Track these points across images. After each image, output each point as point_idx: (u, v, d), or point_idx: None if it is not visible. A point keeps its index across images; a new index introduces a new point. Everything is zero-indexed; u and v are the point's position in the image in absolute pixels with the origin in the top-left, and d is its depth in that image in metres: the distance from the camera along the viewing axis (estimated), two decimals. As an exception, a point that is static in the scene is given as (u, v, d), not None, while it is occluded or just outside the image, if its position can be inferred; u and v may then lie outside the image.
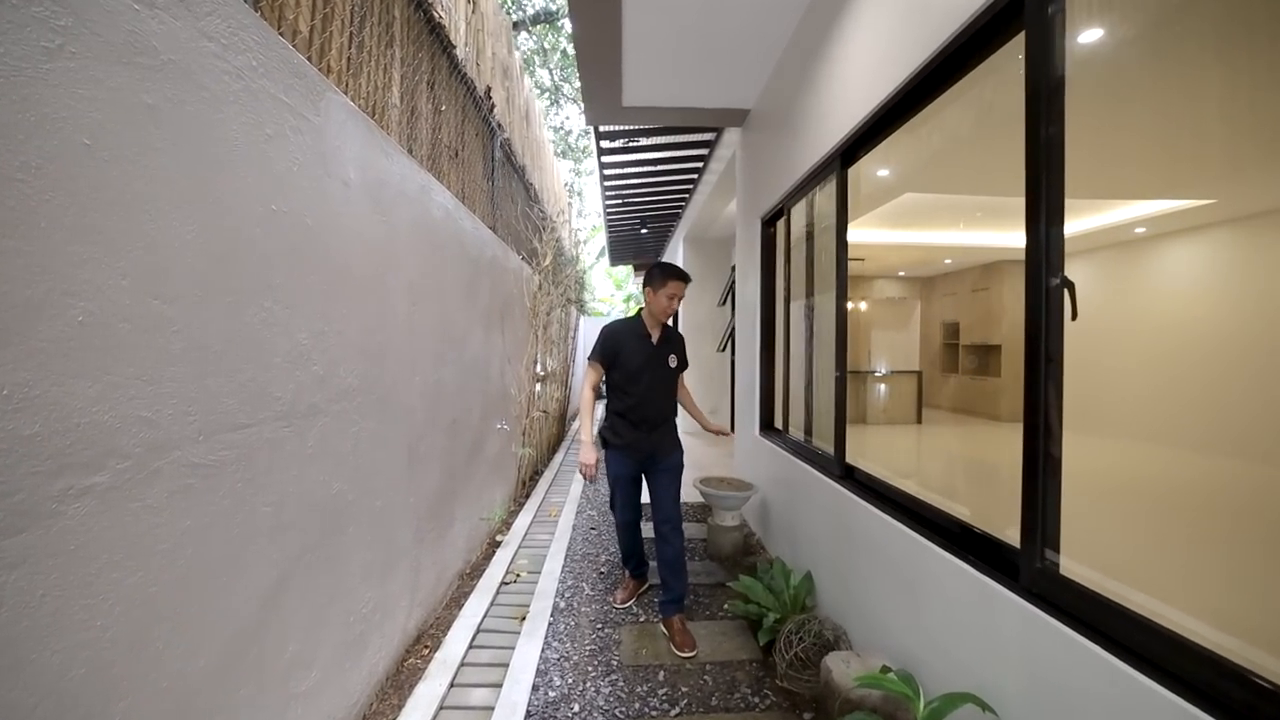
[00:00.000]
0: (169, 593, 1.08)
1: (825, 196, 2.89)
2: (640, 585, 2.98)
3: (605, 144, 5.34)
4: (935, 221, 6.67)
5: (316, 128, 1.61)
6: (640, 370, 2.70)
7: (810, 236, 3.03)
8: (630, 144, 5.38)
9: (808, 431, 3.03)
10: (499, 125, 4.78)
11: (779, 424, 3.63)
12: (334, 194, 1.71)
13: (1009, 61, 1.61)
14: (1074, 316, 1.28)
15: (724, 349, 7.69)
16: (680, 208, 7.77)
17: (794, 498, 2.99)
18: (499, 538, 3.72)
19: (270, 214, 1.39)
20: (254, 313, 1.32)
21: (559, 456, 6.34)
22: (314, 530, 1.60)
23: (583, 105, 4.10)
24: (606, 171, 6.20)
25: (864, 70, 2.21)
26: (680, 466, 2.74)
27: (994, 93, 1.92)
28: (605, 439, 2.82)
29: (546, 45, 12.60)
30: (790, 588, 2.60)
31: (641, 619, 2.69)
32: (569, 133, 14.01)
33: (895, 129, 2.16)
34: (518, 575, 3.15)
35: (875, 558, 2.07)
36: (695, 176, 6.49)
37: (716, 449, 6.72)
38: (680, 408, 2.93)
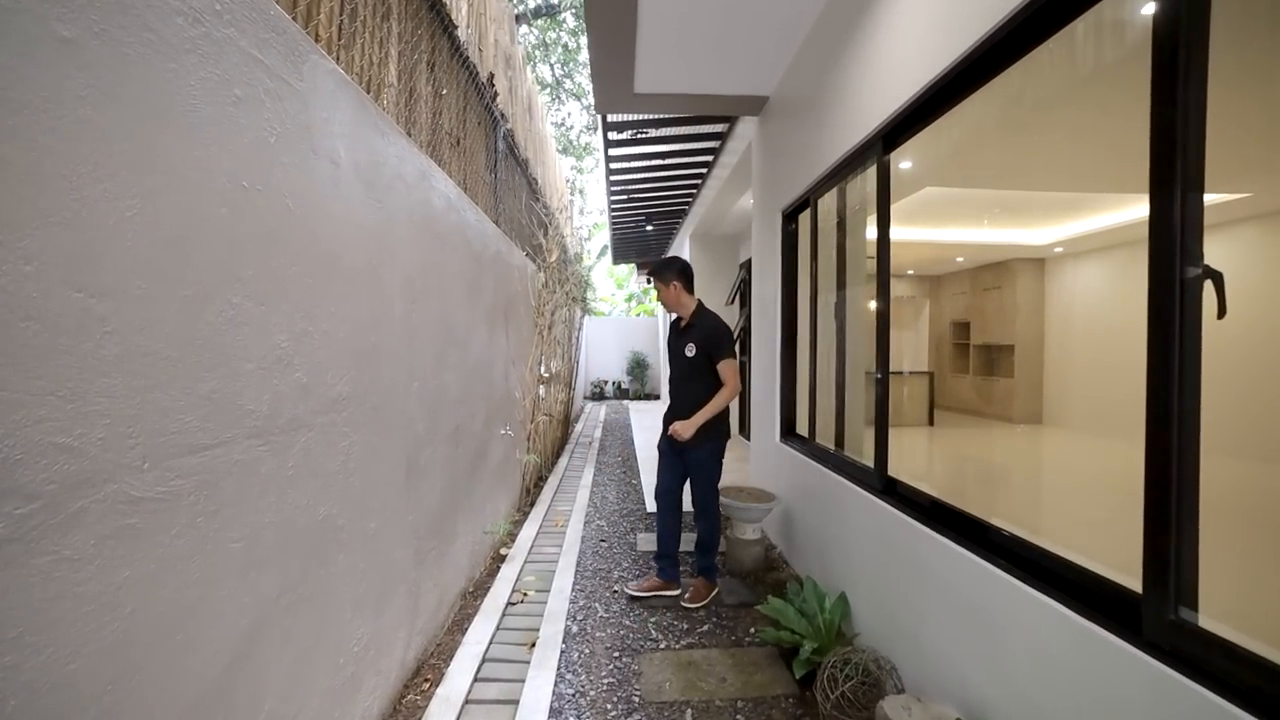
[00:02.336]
0: (97, 665, 0.85)
1: (860, 185, 2.66)
2: (663, 586, 2.90)
3: (613, 135, 5.11)
4: (950, 218, 6.44)
5: (300, 95, 1.38)
6: (669, 355, 3.01)
7: (841, 228, 2.80)
8: (639, 135, 5.15)
9: (839, 439, 2.80)
10: (502, 115, 4.56)
11: (803, 430, 3.40)
12: (320, 173, 1.48)
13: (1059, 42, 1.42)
14: (1221, 314, 1.05)
15: (733, 359, 7.48)
16: (687, 204, 7.54)
17: (823, 511, 2.77)
18: (504, 551, 3.49)
19: (241, 192, 1.16)
20: (219, 310, 1.09)
21: (564, 461, 6.11)
22: (296, 565, 1.37)
23: (591, 91, 3.87)
24: (613, 165, 5.97)
25: (911, 45, 1.98)
26: (706, 460, 2.85)
27: (1025, 79, 1.74)
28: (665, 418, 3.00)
29: (548, 40, 12.37)
30: (824, 611, 2.38)
31: (662, 645, 2.46)
32: (570, 128, 13.77)
33: (950, 108, 1.93)
34: (525, 594, 2.92)
35: (930, 585, 1.84)
36: (704, 171, 6.26)
37: (728, 453, 6.51)
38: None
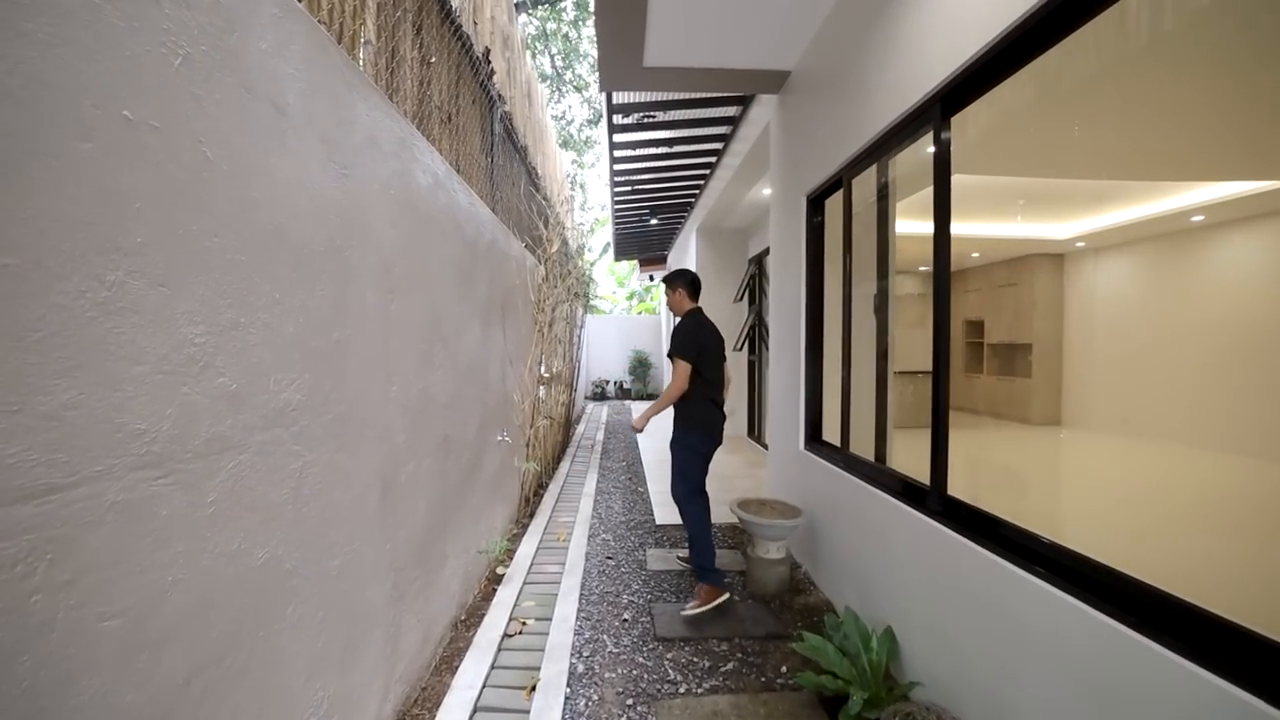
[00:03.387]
0: None
1: (909, 159, 2.33)
2: (718, 592, 2.74)
3: (618, 119, 4.78)
4: (970, 210, 6.08)
5: (222, 7, 1.05)
6: (717, 361, 3.05)
7: (883, 212, 2.47)
8: (646, 119, 4.81)
9: (879, 450, 2.47)
10: (499, 96, 4.23)
11: (830, 437, 3.07)
12: (258, 120, 1.15)
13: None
14: None
15: (740, 348, 7.15)
16: (694, 195, 7.21)
17: (860, 529, 2.44)
18: (500, 570, 3.16)
19: (121, 125, 0.83)
20: (77, 288, 0.76)
21: (565, 466, 5.79)
22: (220, 631, 1.04)
23: (596, 69, 3.54)
24: (617, 153, 5.64)
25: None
26: (675, 449, 2.97)
27: (1062, 58, 1.56)
28: (713, 425, 3.02)
29: (548, 30, 12.02)
30: (869, 650, 2.05)
31: (682, 688, 2.13)
32: (570, 121, 13.42)
33: (1025, 64, 1.61)
34: (524, 623, 2.59)
35: (1008, 628, 1.52)
36: (713, 161, 5.93)
37: (736, 456, 6.17)
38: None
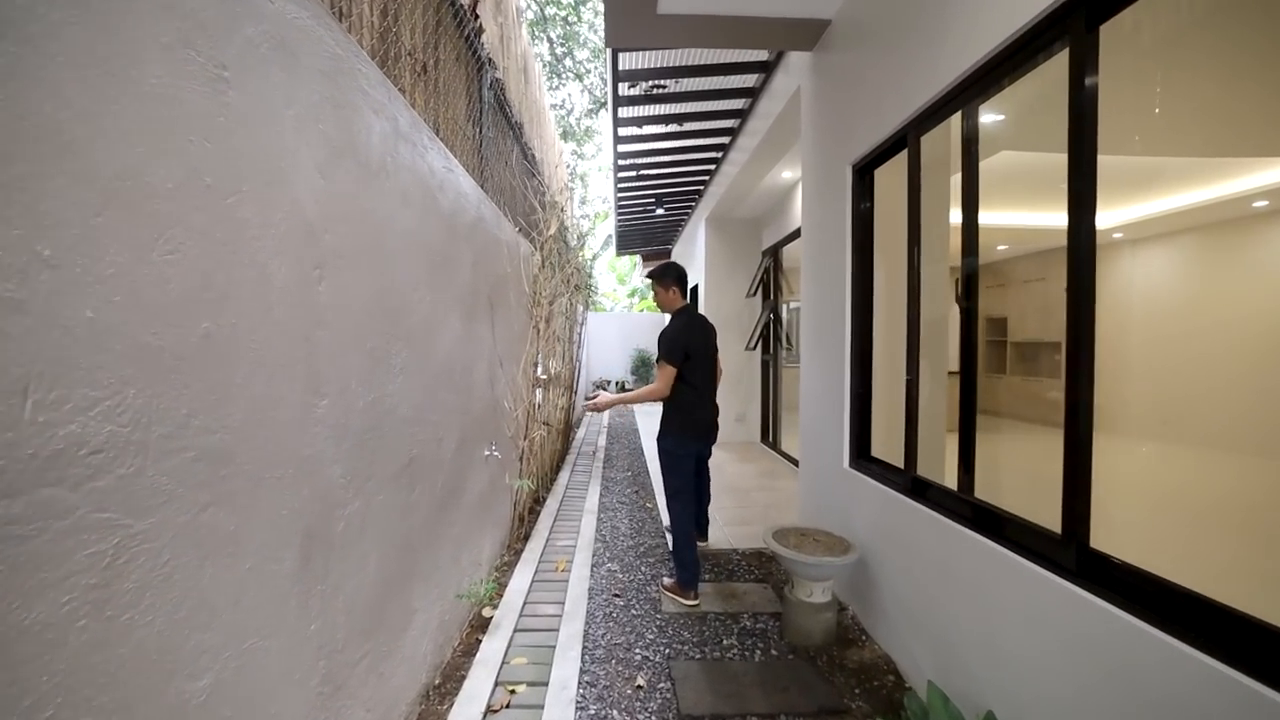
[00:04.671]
0: None
1: (1019, 99, 1.81)
2: (685, 592, 2.80)
3: (624, 90, 4.25)
4: (1006, 196, 5.58)
5: None
6: (704, 361, 2.96)
7: (970, 171, 1.94)
8: (655, 89, 4.28)
9: (966, 480, 1.94)
10: (490, 61, 3.70)
11: (889, 455, 2.54)
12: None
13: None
14: None
15: (754, 347, 6.62)
16: (704, 181, 6.68)
17: (941, 577, 1.92)
18: (487, 612, 2.63)
19: None
20: None
21: (564, 476, 5.26)
22: None
23: (603, 17, 3.02)
24: (622, 131, 5.12)
25: None
26: (657, 443, 3.00)
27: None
28: (695, 431, 3.02)
29: (547, 13, 11.46)
30: (969, 749, 1.53)
31: (717, 798, 1.61)
32: (569, 111, 12.88)
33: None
34: (512, 692, 2.06)
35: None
36: (728, 141, 5.41)
37: (750, 465, 5.65)
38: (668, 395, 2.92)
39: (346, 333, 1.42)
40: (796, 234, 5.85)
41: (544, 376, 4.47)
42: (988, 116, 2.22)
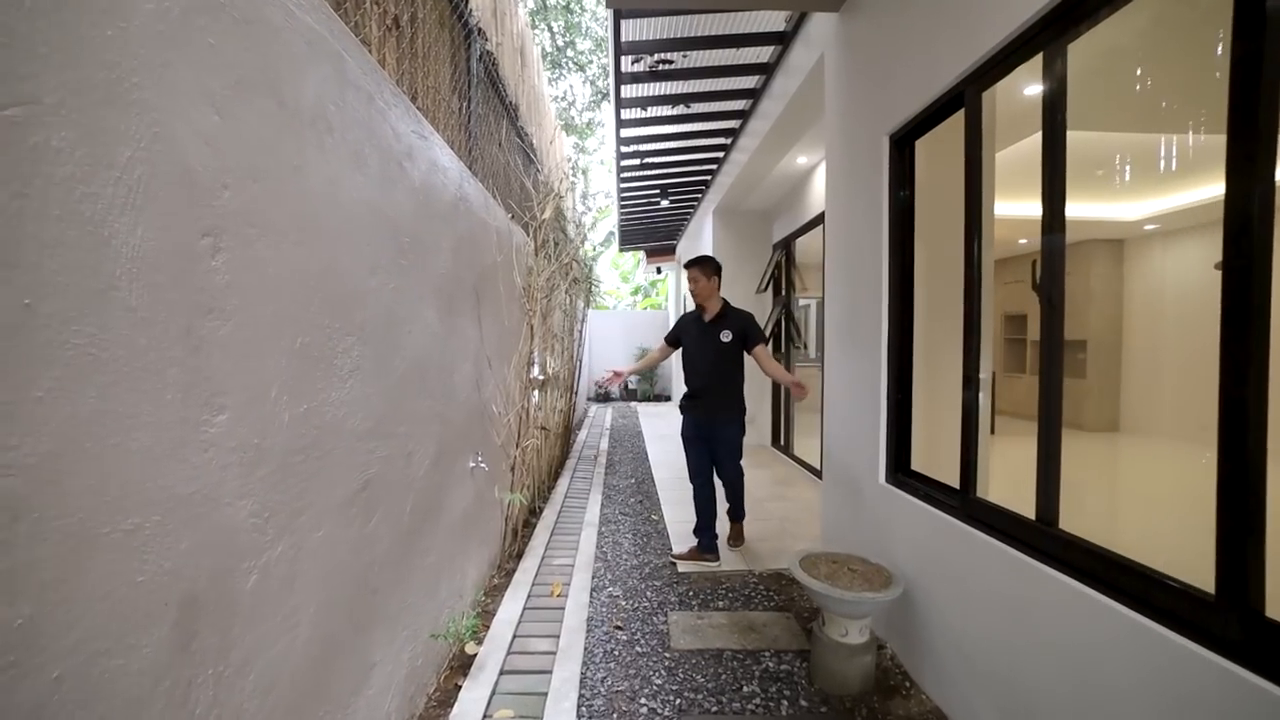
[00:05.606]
0: None
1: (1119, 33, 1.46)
2: (703, 557, 3.16)
3: (628, 65, 3.90)
4: (1031, 184, 5.19)
5: None
6: (691, 347, 3.26)
7: (1052, 127, 1.58)
8: (661, 64, 3.93)
9: (1046, 506, 1.58)
10: (480, 31, 3.36)
11: (937, 471, 2.19)
12: None
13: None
14: None
15: (765, 344, 6.26)
16: (712, 170, 6.32)
17: (1008, 616, 1.57)
18: (471, 648, 2.29)
19: None
20: None
21: (563, 483, 4.91)
22: None
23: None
24: (625, 114, 4.76)
25: None
26: (735, 436, 3.19)
27: None
28: (680, 405, 3.36)
29: (549, 2, 11.11)
30: None
31: None
32: (571, 103, 12.52)
33: None
34: (494, 757, 1.72)
35: None
36: (738, 125, 5.05)
37: (762, 471, 5.29)
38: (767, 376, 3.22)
39: (261, 324, 1.07)
40: (811, 225, 5.48)
41: (541, 377, 4.12)
42: (1031, 89, 1.87)
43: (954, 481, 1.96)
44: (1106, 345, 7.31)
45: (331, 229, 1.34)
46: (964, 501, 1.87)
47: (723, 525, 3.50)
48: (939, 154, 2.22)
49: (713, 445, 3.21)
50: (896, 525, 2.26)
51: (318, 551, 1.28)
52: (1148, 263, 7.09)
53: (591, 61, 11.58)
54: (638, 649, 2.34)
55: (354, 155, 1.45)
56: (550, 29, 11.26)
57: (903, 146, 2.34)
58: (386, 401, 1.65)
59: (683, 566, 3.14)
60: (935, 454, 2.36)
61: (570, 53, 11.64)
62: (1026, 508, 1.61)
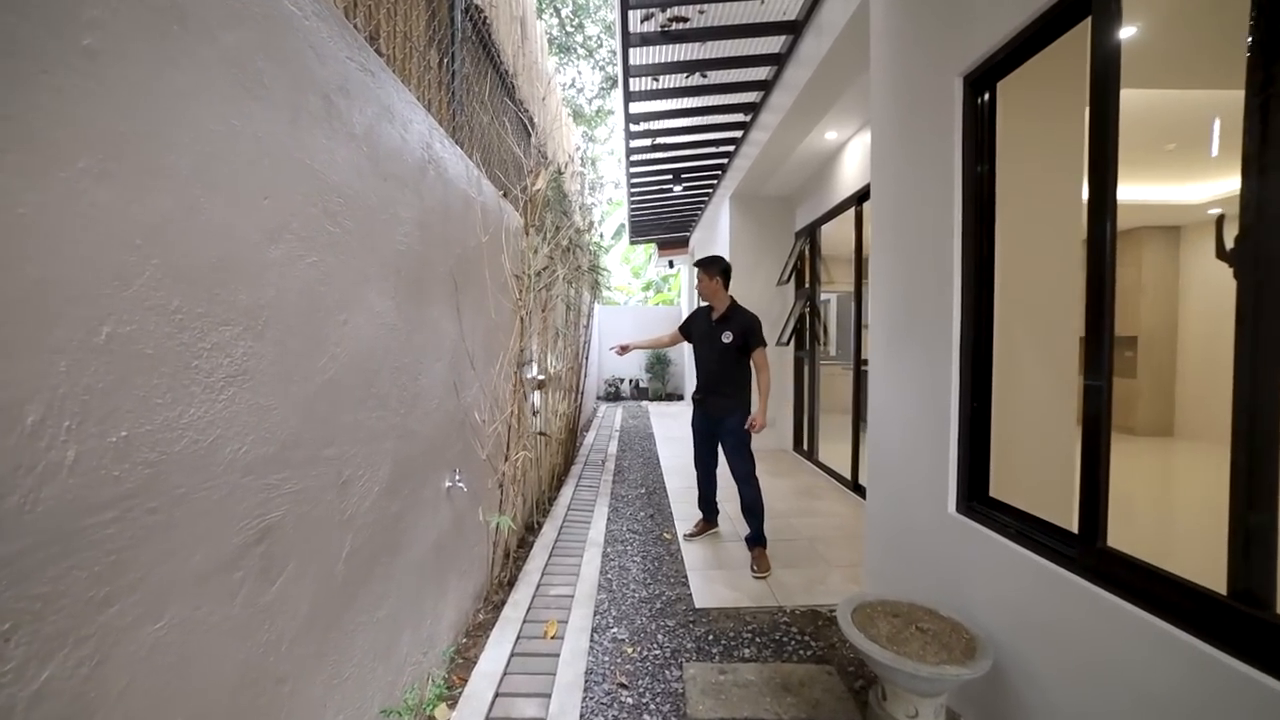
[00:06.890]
0: None
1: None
2: (708, 527, 3.49)
3: (636, 24, 3.43)
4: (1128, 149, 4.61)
5: None
6: (697, 343, 3.35)
7: (1270, 32, 1.09)
8: (673, 24, 3.46)
9: (1243, 578, 1.09)
10: (465, -18, 2.91)
11: (1012, 496, 1.70)
12: None
13: None
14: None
15: (786, 342, 5.77)
16: (729, 153, 5.83)
17: (1158, 717, 1.09)
18: (441, 714, 1.86)
19: None
20: None
21: (567, 492, 4.47)
22: None
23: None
24: (634, 85, 4.30)
25: None
26: (737, 426, 3.11)
27: None
28: (692, 398, 3.39)
29: (556, -15, 10.67)
30: None
31: None
32: (580, 90, 12.06)
33: None
34: None
35: None
36: (758, 99, 4.56)
37: (783, 480, 4.79)
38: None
39: (23, 308, 0.63)
40: (839, 209, 4.97)
41: (540, 377, 3.68)
42: (1137, 25, 1.37)
43: (1056, 516, 1.48)
44: (1158, 342, 6.73)
45: (186, 166, 0.90)
46: (1087, 552, 1.39)
47: (743, 552, 3.06)
48: (1023, 104, 1.73)
49: (719, 438, 3.26)
50: (974, 568, 1.78)
51: (165, 648, 0.85)
52: (1206, 251, 6.47)
53: (601, 45, 11.11)
54: (645, 715, 1.89)
55: (233, 63, 1.01)
56: (558, 12, 10.80)
57: (979, 89, 1.85)
58: (302, 416, 1.22)
59: (699, 601, 2.68)
60: (1011, 478, 1.88)
61: (579, 37, 11.18)
62: (1161, 555, 1.13)
